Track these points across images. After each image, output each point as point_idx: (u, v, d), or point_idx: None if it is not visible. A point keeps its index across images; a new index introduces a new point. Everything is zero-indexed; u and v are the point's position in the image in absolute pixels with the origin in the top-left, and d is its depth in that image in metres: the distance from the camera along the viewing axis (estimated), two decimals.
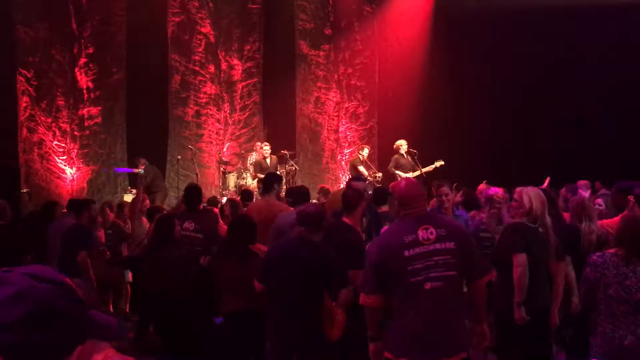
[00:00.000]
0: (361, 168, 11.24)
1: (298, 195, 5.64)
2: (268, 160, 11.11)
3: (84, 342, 1.13)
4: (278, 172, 9.80)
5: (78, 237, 5.78)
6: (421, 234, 3.15)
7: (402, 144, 11.05)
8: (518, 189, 4.24)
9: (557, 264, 4.24)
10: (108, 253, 6.87)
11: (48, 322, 1.07)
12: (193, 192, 5.97)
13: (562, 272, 4.33)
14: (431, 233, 3.15)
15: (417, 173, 10.80)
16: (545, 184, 7.33)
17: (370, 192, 5.10)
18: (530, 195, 4.03)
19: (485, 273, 3.31)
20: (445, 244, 3.15)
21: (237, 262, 4.63)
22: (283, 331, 3.89)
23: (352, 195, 4.52)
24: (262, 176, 8.76)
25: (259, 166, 10.99)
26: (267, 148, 11.19)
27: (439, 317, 3.12)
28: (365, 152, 11.61)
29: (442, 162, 10.84)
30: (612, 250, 3.41)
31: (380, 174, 11.24)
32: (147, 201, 7.46)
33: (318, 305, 3.88)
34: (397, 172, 10.91)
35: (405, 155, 11.02)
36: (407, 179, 3.46)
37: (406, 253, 3.12)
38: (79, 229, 5.89)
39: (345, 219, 4.43)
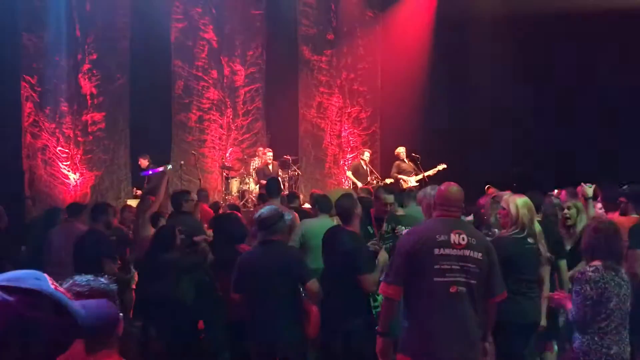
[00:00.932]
0: (349, 173, 11.53)
1: (323, 203, 5.69)
2: (270, 167, 11.15)
3: (65, 350, 1.10)
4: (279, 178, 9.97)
5: (101, 245, 5.51)
6: (453, 237, 3.18)
7: (401, 151, 11.33)
8: (505, 196, 4.23)
9: (543, 269, 4.23)
10: (120, 262, 6.81)
11: (22, 337, 1.04)
12: (174, 198, 6.30)
13: (547, 277, 4.31)
14: (463, 239, 3.18)
15: (420, 177, 10.87)
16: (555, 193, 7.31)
17: (393, 204, 5.13)
18: (516, 203, 3.97)
19: (501, 292, 3.34)
20: (475, 253, 3.18)
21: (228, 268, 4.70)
22: (265, 334, 3.97)
23: (346, 204, 4.52)
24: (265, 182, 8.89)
25: (261, 173, 11.02)
26: (270, 154, 11.23)
27: (459, 322, 3.16)
28: (366, 156, 11.72)
29: (444, 166, 10.92)
30: (598, 263, 3.34)
31: (388, 181, 11.34)
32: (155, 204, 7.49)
33: (295, 303, 3.97)
34: (400, 176, 11.09)
35: (406, 160, 11.19)
36: (450, 182, 3.49)
37: (436, 251, 3.15)
38: (100, 236, 5.65)
39: (346, 227, 4.45)
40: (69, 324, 1.10)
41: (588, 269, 3.36)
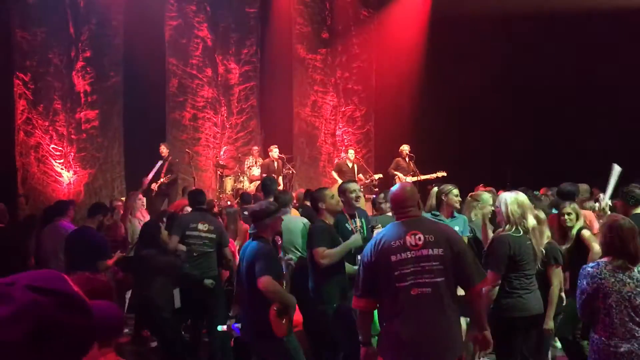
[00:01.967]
0: (333, 173, 11.71)
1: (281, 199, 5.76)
2: (276, 164, 11.22)
3: (89, 350, 1.10)
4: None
5: (98, 245, 5.54)
6: (409, 239, 3.14)
7: (405, 149, 11.46)
8: (500, 194, 4.25)
9: (550, 268, 4.28)
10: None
11: (51, 338, 1.03)
12: (199, 194, 6.23)
13: (558, 277, 4.35)
14: (419, 239, 3.14)
15: (415, 179, 10.93)
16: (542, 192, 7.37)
17: (360, 195, 5.12)
18: (506, 200, 3.98)
19: (479, 279, 3.25)
20: (434, 250, 3.13)
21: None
22: (246, 329, 4.07)
23: (313, 196, 4.82)
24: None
25: (266, 168, 11.04)
26: (276, 151, 11.28)
27: (427, 323, 3.11)
28: (351, 154, 11.84)
29: (444, 173, 10.91)
30: (605, 259, 3.35)
31: (380, 175, 11.44)
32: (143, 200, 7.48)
33: (264, 300, 3.94)
34: (396, 173, 11.19)
35: (406, 159, 11.30)
36: (402, 182, 3.49)
37: (393, 258, 3.13)
38: (96, 236, 5.67)
39: (318, 216, 4.66)
40: (91, 326, 1.10)
41: (590, 264, 3.39)
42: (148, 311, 5.03)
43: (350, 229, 4.80)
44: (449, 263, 3.13)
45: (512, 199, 3.98)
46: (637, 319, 3.25)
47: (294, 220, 5.39)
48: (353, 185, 5.03)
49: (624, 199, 5.20)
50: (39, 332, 1.02)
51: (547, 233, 4.47)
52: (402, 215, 3.29)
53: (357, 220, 4.96)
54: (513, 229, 3.94)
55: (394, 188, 3.47)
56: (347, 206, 4.90)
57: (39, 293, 1.05)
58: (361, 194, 5.03)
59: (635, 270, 3.31)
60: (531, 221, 3.98)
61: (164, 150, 10.86)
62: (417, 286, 3.09)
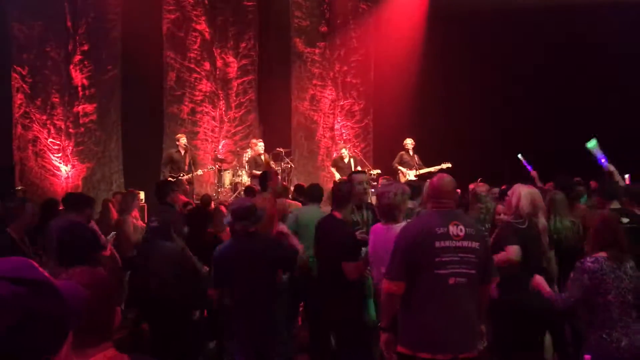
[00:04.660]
0: (333, 170, 11.65)
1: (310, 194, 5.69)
2: (262, 157, 11.11)
3: (66, 339, 1.09)
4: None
5: (91, 239, 5.53)
6: (452, 228, 3.19)
7: (408, 142, 11.44)
8: (515, 186, 4.26)
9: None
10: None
11: (31, 329, 1.01)
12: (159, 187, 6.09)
13: None
14: (461, 230, 3.20)
15: (422, 171, 10.93)
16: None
17: (368, 187, 5.11)
18: (520, 193, 4.01)
19: (496, 277, 3.40)
20: (472, 243, 3.21)
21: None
22: (250, 325, 3.92)
23: (342, 190, 4.59)
24: (258, 172, 8.83)
25: (253, 163, 10.99)
26: (261, 145, 11.17)
27: (460, 313, 3.18)
28: (344, 151, 11.71)
29: (449, 165, 10.88)
30: (602, 254, 3.36)
31: (378, 171, 11.36)
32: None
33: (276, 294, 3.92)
34: (399, 167, 11.17)
35: (411, 152, 11.27)
36: (442, 174, 3.49)
37: (437, 244, 3.16)
38: (88, 230, 5.66)
39: (336, 213, 4.48)
40: (65, 311, 1.09)
41: (588, 259, 3.38)
42: (164, 305, 4.95)
43: (355, 219, 4.79)
44: (481, 258, 3.23)
45: (525, 193, 4.02)
46: (630, 314, 3.31)
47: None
48: (360, 177, 5.04)
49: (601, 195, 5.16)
50: (18, 325, 1.01)
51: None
52: (442, 205, 3.32)
53: (365, 212, 4.95)
54: (519, 221, 3.97)
55: (434, 178, 3.50)
56: (356, 196, 4.90)
57: (15, 283, 1.03)
58: (367, 187, 5.04)
59: (628, 266, 3.36)
60: (542, 220, 4.01)
61: (182, 141, 10.75)
62: (455, 275, 3.15)
